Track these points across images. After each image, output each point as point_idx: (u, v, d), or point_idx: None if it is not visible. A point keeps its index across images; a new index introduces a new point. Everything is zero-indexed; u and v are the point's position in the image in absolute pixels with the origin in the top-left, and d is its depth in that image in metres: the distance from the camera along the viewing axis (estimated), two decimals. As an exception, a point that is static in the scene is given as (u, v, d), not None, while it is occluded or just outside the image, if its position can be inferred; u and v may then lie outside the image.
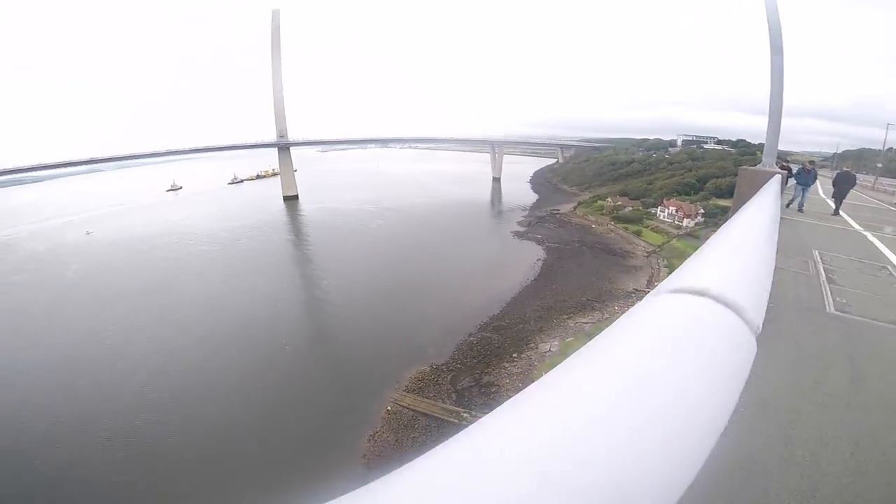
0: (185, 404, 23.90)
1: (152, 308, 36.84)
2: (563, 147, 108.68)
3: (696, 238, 48.44)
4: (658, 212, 59.76)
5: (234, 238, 58.32)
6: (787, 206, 12.91)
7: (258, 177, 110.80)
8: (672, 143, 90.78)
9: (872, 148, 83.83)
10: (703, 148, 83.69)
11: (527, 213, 72.37)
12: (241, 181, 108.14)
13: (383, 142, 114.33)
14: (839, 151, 77.12)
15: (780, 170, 10.13)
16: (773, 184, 7.73)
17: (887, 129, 50.04)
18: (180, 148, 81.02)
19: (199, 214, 71.67)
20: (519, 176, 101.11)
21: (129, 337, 31.75)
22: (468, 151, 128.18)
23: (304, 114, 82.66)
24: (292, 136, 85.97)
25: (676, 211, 57.12)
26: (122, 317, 35.33)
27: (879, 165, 62.63)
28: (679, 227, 54.89)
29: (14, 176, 74.15)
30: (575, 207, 71.37)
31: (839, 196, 13.62)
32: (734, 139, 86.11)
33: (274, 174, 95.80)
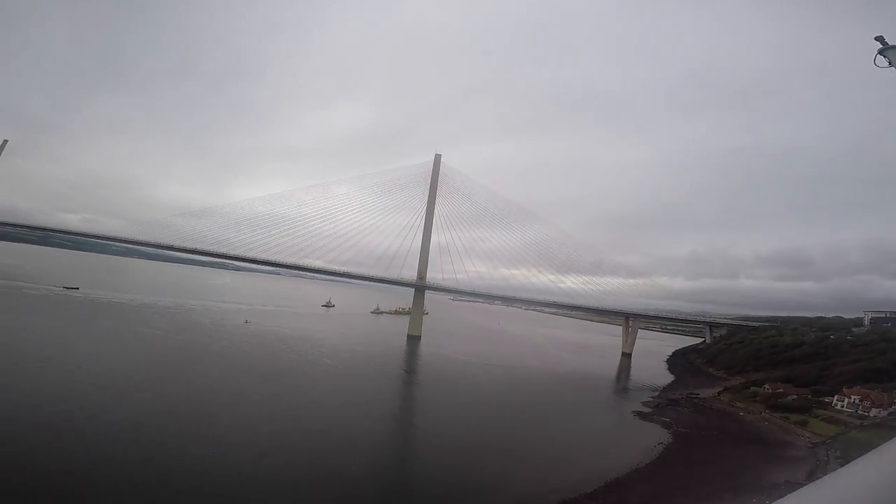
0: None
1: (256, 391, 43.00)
2: (712, 325, 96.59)
3: (891, 428, 35.68)
4: (834, 401, 46.62)
5: (354, 359, 64.67)
6: None
7: (396, 312, 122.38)
8: (857, 322, 73.65)
9: None
10: None
11: (657, 394, 63.40)
12: (382, 312, 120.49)
13: (509, 300, 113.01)
14: None
15: None
16: None
17: None
18: (339, 269, 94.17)
19: (337, 333, 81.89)
20: (655, 353, 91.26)
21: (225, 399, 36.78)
22: (597, 321, 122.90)
23: (442, 258, 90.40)
24: (430, 278, 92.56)
25: (861, 400, 43.93)
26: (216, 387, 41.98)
27: None
28: (863, 418, 41.38)
29: (224, 260, 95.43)
30: (719, 393, 60.16)
31: None
32: None
33: (407, 312, 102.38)
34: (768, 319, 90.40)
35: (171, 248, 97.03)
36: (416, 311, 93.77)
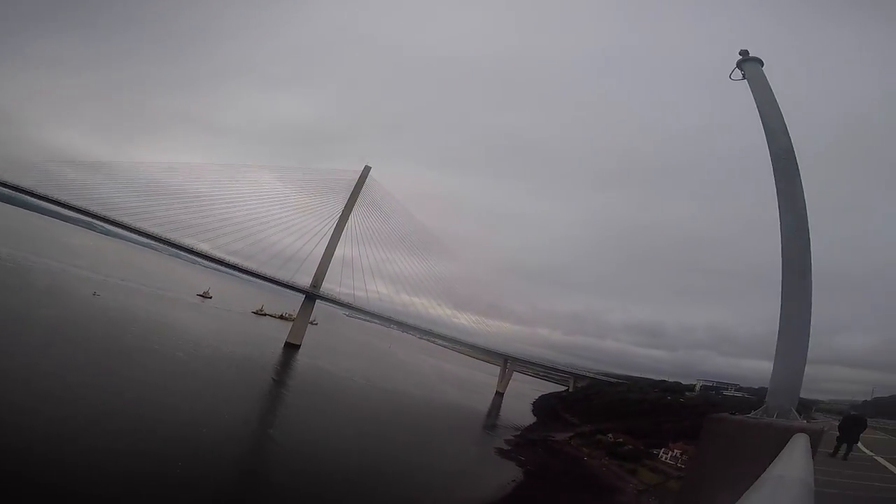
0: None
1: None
2: (577, 376, 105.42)
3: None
4: (661, 453, 53.35)
5: (215, 358, 57.72)
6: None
7: (282, 317, 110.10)
8: (690, 388, 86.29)
9: None
10: (721, 395, 78.84)
11: (519, 433, 66.93)
12: (265, 314, 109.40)
13: (405, 326, 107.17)
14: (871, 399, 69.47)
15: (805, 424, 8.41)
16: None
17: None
18: (228, 259, 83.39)
19: (206, 327, 72.44)
20: (524, 395, 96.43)
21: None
22: (481, 360, 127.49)
23: (344, 271, 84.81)
24: (327, 288, 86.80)
25: (681, 454, 50.84)
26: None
27: None
28: (680, 470, 47.92)
29: (93, 220, 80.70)
30: (571, 437, 65.39)
31: (848, 439, 12.50)
32: (756, 387, 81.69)
33: (294, 318, 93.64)
34: (624, 377, 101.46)
35: (31, 193, 79.67)
36: (302, 318, 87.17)
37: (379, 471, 36.54)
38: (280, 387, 57.94)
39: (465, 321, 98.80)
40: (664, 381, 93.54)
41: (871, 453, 13.93)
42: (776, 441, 5.41)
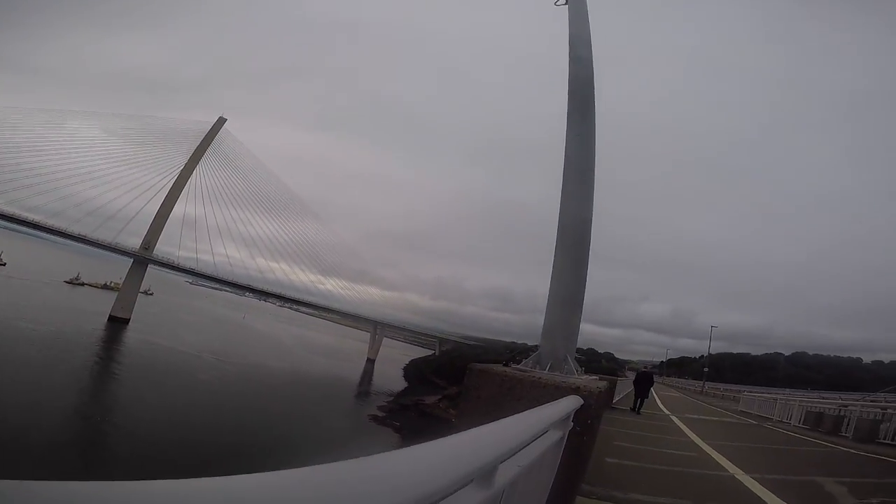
0: None
1: None
2: (442, 340, 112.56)
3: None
4: (515, 408, 61.07)
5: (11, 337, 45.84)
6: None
7: (105, 286, 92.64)
8: (534, 349, 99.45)
9: (689, 356, 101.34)
10: None
11: (392, 399, 69.11)
12: (83, 284, 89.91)
13: (263, 294, 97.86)
14: (665, 359, 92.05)
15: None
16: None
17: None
18: (27, 216, 65.41)
19: None
20: (395, 361, 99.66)
21: None
22: (351, 327, 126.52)
23: (185, 232, 71.78)
24: (163, 252, 75.66)
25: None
26: None
27: (706, 370, 70.06)
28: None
29: None
30: (440, 399, 70.13)
31: (641, 393, 15.09)
32: (585, 347, 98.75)
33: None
34: (482, 340, 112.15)
35: None
36: (130, 286, 73.29)
37: (237, 446, 33.80)
38: (109, 365, 48.77)
39: (332, 287, 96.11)
40: (514, 342, 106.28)
41: (663, 408, 18.78)
42: (545, 394, 5.01)
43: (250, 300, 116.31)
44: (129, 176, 72.48)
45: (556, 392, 4.84)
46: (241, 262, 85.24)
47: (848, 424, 13.77)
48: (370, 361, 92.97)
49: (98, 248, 73.02)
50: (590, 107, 9.35)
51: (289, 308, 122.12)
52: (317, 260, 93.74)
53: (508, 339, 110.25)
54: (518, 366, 6.98)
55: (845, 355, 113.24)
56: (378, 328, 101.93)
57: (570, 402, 4.23)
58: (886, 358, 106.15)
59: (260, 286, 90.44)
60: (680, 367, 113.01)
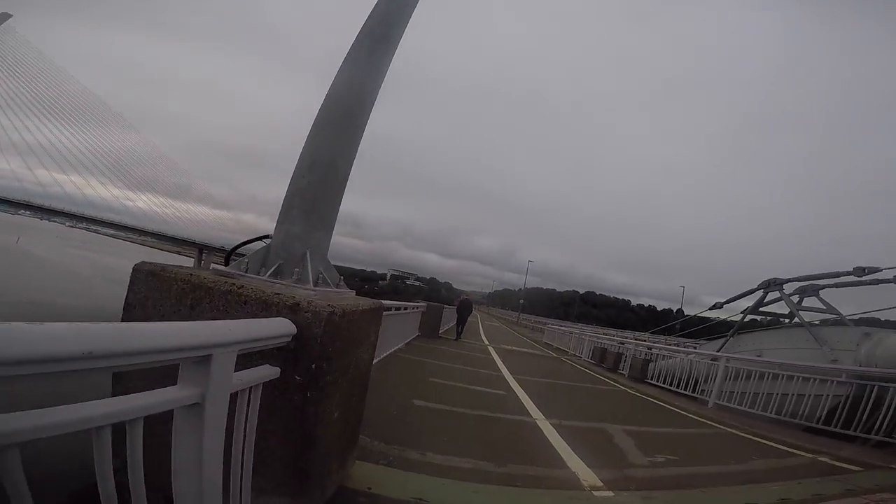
0: None
1: None
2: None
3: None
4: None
5: None
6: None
7: None
8: (383, 277, 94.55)
9: (511, 288, 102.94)
10: (405, 283, 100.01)
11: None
12: None
13: (46, 211, 68.27)
14: (492, 291, 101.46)
15: None
16: None
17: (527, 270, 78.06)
18: None
19: None
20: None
21: None
22: (171, 251, 74.51)
23: None
24: None
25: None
26: None
27: (522, 301, 79.02)
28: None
29: None
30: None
31: (462, 320, 17.57)
32: (428, 277, 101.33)
33: None
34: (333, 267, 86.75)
35: None
36: None
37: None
38: None
39: (144, 204, 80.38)
40: (363, 270, 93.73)
41: (484, 338, 21.63)
42: (245, 313, 3.57)
43: (27, 219, 70.08)
44: None
45: (261, 310, 4.82)
46: (14, 174, 65.18)
47: (624, 362, 14.40)
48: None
49: None
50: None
51: (83, 229, 74.87)
52: (123, 172, 70.75)
53: (358, 267, 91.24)
54: (228, 267, 6.18)
55: (621, 297, 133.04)
56: (205, 252, 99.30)
57: (258, 329, 1.86)
58: (646, 303, 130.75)
59: (42, 202, 69.93)
60: (504, 298, 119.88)
